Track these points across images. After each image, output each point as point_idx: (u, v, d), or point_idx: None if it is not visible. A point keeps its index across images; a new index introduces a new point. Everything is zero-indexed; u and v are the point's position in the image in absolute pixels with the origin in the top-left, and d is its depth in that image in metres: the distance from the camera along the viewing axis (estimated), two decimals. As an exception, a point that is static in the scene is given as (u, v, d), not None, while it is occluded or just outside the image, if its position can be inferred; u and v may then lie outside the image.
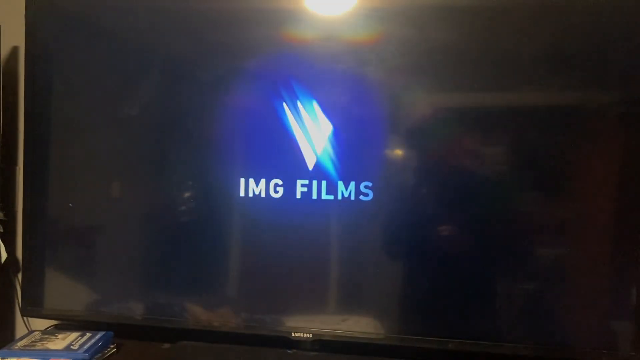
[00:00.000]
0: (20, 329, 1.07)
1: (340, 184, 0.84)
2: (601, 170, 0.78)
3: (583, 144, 0.79)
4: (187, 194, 0.90)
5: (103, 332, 0.91)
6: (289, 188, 0.85)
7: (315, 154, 0.84)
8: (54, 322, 1.02)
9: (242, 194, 0.87)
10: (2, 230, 1.00)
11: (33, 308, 0.97)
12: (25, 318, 1.04)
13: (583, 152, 0.79)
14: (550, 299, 0.80)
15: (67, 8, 0.95)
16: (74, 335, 0.91)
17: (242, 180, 0.87)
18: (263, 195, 0.86)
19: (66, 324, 1.01)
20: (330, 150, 0.84)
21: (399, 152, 0.84)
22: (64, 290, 0.96)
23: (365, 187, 0.83)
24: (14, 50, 1.04)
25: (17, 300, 1.05)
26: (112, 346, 0.92)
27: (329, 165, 0.84)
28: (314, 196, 0.85)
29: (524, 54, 0.79)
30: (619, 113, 0.78)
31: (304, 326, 0.86)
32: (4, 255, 0.99)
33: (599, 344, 0.79)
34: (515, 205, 0.81)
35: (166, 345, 0.93)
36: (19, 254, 1.02)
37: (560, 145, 0.79)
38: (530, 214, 0.80)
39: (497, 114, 0.81)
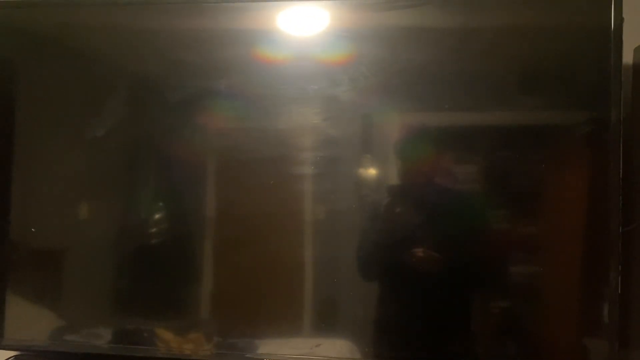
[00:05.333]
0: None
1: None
2: (571, 188, 0.80)
3: (554, 163, 0.80)
4: (156, 216, 0.88)
5: (66, 363, 0.88)
6: (262, 208, 0.85)
7: (288, 174, 0.84)
8: (14, 353, 0.97)
9: (213, 215, 0.85)
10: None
11: (-9, 338, 0.92)
12: (-18, 349, 0.99)
13: (554, 170, 0.80)
14: (529, 317, 0.81)
15: (30, 26, 0.93)
16: (35, 366, 0.87)
17: (213, 201, 0.86)
18: (235, 215, 0.85)
19: (27, 354, 0.96)
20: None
21: (371, 172, 0.84)
22: (25, 318, 0.92)
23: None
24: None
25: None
26: (75, 377, 0.88)
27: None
28: (288, 216, 0.84)
29: (495, 75, 0.81)
30: (587, 132, 0.79)
31: (276, 352, 0.84)
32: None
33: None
34: (490, 224, 0.82)
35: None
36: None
37: (532, 164, 0.80)
38: (507, 233, 0.81)
39: (469, 134, 0.82)
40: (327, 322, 0.85)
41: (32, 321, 0.92)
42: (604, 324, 0.77)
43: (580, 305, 0.80)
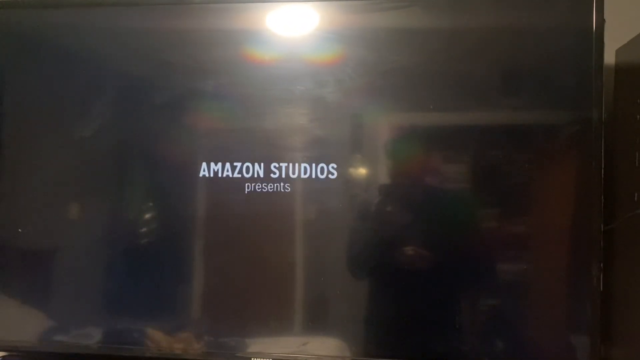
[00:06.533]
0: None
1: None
2: (554, 188, 0.81)
3: (537, 163, 0.81)
4: (144, 217, 0.88)
5: (54, 364, 0.88)
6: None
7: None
8: (2, 354, 0.96)
9: (202, 214, 0.86)
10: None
11: (-23, 339, 0.91)
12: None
13: (537, 170, 0.81)
14: (514, 315, 0.82)
15: (17, 26, 0.92)
16: (23, 367, 0.86)
17: (202, 201, 0.86)
18: (224, 215, 0.86)
19: (15, 355, 0.95)
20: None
21: (360, 172, 0.84)
22: (13, 319, 0.92)
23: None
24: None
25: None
26: (63, 378, 0.88)
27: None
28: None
29: (479, 76, 0.81)
30: (569, 133, 0.80)
31: (266, 351, 0.85)
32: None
33: (559, 357, 0.81)
34: (476, 223, 0.83)
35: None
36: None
37: (515, 164, 0.81)
38: (493, 231, 0.82)
39: (454, 134, 0.83)
40: (316, 320, 0.86)
41: (21, 321, 0.92)
42: (587, 320, 0.78)
43: (563, 302, 0.81)
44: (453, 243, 0.83)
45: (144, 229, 0.88)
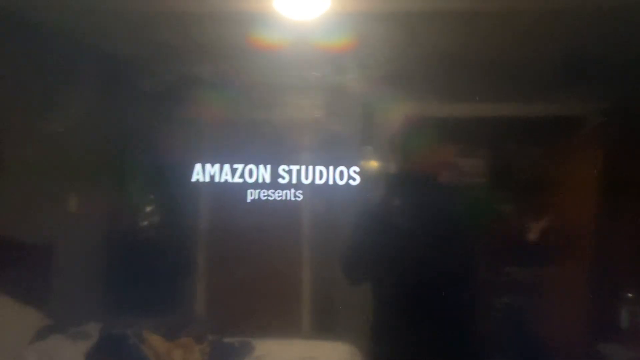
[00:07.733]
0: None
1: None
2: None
3: (605, 157, 0.76)
4: (129, 227, 0.83)
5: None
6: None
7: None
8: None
9: (194, 228, 0.81)
10: None
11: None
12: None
13: (607, 166, 0.77)
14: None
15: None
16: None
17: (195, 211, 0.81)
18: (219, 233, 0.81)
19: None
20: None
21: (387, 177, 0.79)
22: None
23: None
24: None
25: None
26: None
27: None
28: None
29: (535, 63, 0.77)
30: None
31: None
32: None
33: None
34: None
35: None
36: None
37: (578, 160, 0.77)
38: (545, 234, 0.78)
39: (503, 130, 0.79)
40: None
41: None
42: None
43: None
44: (500, 250, 0.79)
45: (129, 242, 0.83)
